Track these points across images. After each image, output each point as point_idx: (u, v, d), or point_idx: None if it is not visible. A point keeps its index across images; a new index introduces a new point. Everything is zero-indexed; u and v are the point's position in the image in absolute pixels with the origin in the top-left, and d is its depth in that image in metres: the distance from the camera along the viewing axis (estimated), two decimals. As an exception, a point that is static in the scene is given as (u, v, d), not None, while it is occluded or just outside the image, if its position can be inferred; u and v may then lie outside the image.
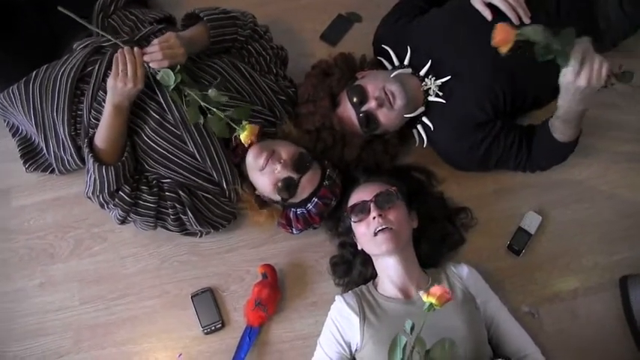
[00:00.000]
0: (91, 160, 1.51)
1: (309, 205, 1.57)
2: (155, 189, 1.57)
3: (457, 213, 1.69)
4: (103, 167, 1.49)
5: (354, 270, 1.60)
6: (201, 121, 1.50)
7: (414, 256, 1.51)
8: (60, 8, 1.45)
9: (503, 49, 1.25)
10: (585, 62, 1.28)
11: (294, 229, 1.62)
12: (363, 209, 1.48)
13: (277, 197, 1.54)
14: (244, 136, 1.47)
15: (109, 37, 1.54)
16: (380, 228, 1.43)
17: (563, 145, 1.55)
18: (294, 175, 1.51)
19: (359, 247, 1.55)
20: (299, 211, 1.59)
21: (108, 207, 1.59)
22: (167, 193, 1.57)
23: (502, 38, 1.25)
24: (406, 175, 1.71)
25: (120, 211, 1.57)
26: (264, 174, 1.52)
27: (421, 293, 1.25)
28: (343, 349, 1.45)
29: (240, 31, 1.66)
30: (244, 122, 1.47)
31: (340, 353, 1.45)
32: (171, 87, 1.48)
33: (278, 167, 1.49)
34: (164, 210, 1.59)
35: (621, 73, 1.31)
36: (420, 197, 1.64)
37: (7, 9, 1.68)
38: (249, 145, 1.53)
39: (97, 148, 1.52)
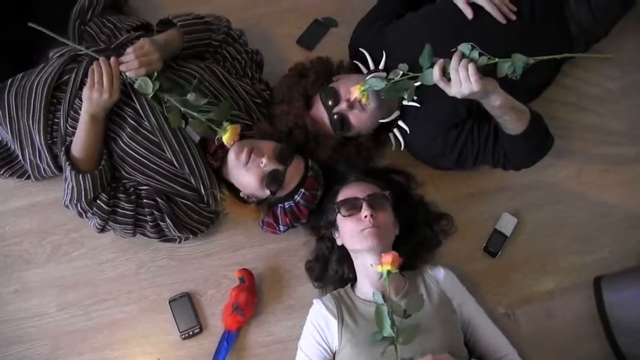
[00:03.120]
0: (68, 168, 1.51)
1: (296, 197, 1.57)
2: (133, 196, 1.57)
3: (438, 219, 1.70)
4: (80, 175, 1.50)
5: (329, 268, 1.61)
6: (184, 125, 1.50)
7: None
8: (30, 24, 1.45)
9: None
10: (447, 74, 1.33)
11: (281, 226, 1.62)
12: (354, 205, 1.49)
13: (265, 192, 1.55)
14: (227, 138, 1.47)
15: (82, 48, 1.53)
16: (369, 227, 1.44)
17: (521, 137, 1.51)
18: (280, 167, 1.52)
19: (338, 243, 1.56)
20: (287, 205, 1.60)
21: (86, 216, 1.59)
22: (145, 201, 1.57)
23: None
24: (386, 177, 1.72)
25: (98, 220, 1.57)
26: (249, 170, 1.52)
27: (377, 266, 1.33)
28: (325, 351, 1.45)
29: (214, 35, 1.66)
30: (225, 123, 1.47)
31: (323, 355, 1.45)
32: (150, 95, 1.48)
33: (264, 161, 1.50)
34: (142, 217, 1.59)
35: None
36: (400, 200, 1.64)
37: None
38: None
39: (74, 156, 1.52)
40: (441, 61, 1.34)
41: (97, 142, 1.53)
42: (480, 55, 1.31)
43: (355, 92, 1.46)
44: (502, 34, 1.55)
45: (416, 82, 1.38)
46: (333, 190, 1.60)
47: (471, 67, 1.29)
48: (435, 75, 1.34)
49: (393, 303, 1.23)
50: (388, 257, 1.30)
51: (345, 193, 1.54)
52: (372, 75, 1.61)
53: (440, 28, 1.62)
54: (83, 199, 1.53)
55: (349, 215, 1.49)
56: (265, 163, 1.50)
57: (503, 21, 1.56)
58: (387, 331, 1.21)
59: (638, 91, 1.84)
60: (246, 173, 1.53)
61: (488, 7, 1.55)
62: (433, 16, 1.68)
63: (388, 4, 1.83)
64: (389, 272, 1.29)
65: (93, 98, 1.45)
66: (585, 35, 1.68)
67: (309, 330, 1.50)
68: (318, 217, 1.64)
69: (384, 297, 1.46)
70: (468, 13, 1.57)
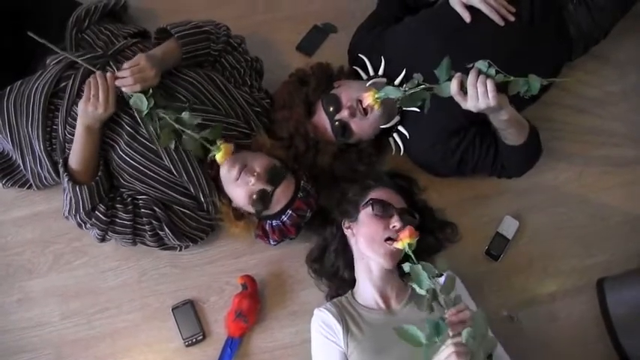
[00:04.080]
0: (65, 180, 1.52)
1: (283, 217, 1.57)
2: (130, 207, 1.57)
3: (443, 227, 1.67)
4: (77, 187, 1.51)
5: (326, 258, 1.60)
6: (172, 145, 1.50)
7: (395, 267, 1.51)
8: (30, 33, 1.44)
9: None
10: (464, 88, 1.33)
11: (271, 240, 1.63)
12: (387, 210, 1.48)
13: (252, 209, 1.55)
14: (220, 156, 1.47)
15: (78, 59, 1.53)
16: (393, 235, 1.43)
17: (519, 148, 1.54)
18: (268, 188, 1.51)
19: (346, 233, 1.56)
20: (274, 222, 1.59)
21: (86, 227, 1.60)
22: (143, 210, 1.57)
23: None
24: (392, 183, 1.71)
25: (98, 230, 1.58)
26: (238, 185, 1.51)
27: (396, 244, 1.36)
28: (341, 350, 1.44)
29: (213, 45, 1.66)
30: (219, 142, 1.47)
31: (342, 357, 1.44)
32: (145, 112, 1.47)
33: (252, 180, 1.49)
34: (141, 227, 1.59)
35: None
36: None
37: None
38: None
39: (72, 168, 1.53)
40: (458, 74, 1.33)
41: (94, 153, 1.53)
42: (497, 72, 1.31)
43: (369, 99, 1.41)
44: (501, 37, 1.56)
45: (431, 92, 1.36)
46: (363, 184, 1.58)
47: (489, 83, 1.29)
48: (452, 89, 1.33)
49: (424, 263, 1.24)
50: (405, 232, 1.33)
51: (379, 194, 1.53)
52: (372, 81, 1.62)
53: (438, 31, 1.62)
54: (81, 210, 1.54)
55: (380, 217, 1.47)
56: (253, 183, 1.49)
57: (502, 23, 1.56)
58: (426, 284, 1.21)
59: (637, 92, 1.85)
60: (236, 188, 1.53)
61: (486, 10, 1.55)
62: (432, 20, 1.68)
63: (387, 9, 1.84)
64: (410, 245, 1.31)
65: (88, 111, 1.46)
66: (584, 38, 1.68)
67: (322, 336, 1.48)
68: (340, 201, 1.62)
69: (387, 302, 1.47)
70: (466, 17, 1.58)
